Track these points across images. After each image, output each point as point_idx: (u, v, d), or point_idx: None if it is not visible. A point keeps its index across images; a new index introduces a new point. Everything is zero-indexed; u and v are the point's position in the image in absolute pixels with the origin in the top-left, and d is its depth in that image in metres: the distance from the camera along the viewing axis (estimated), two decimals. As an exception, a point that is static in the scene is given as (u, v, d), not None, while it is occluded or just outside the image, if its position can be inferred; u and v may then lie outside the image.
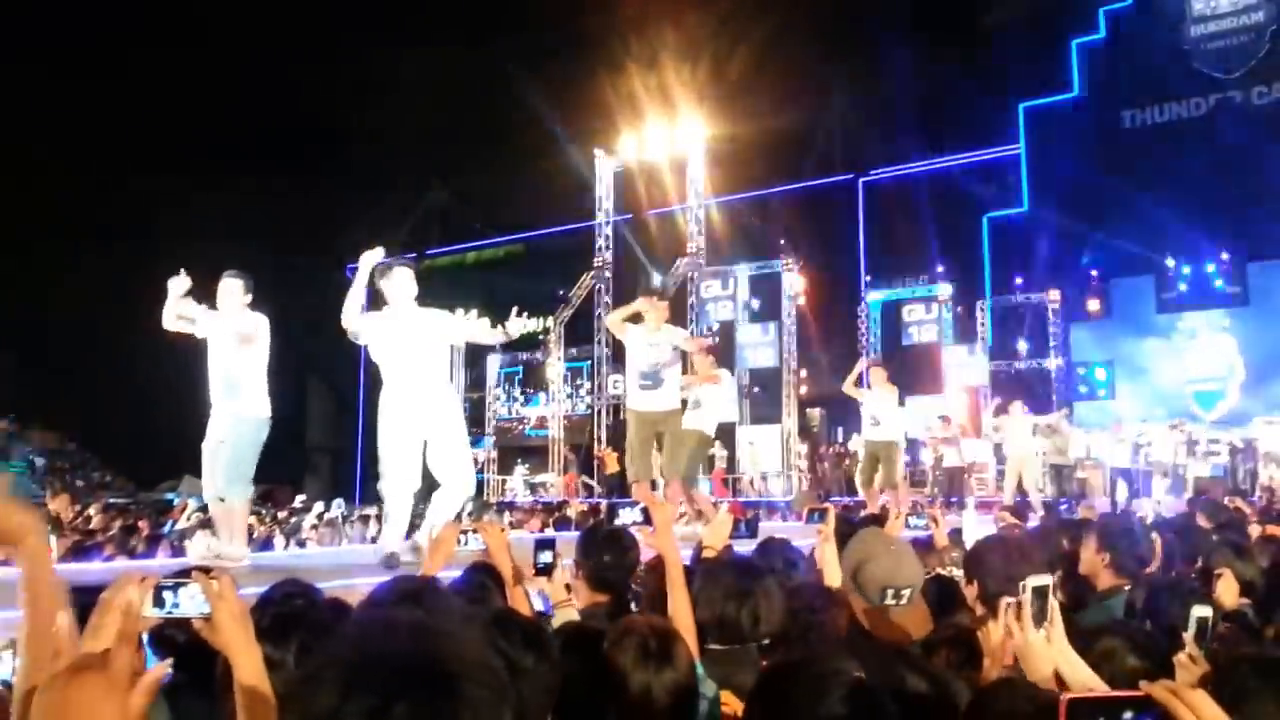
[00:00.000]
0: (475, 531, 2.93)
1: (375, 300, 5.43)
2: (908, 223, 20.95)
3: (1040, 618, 1.81)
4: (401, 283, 5.37)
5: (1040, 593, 1.83)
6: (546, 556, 2.68)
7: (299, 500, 14.29)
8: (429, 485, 5.35)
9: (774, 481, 20.10)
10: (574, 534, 4.60)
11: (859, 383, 9.98)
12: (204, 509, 13.21)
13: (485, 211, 25.45)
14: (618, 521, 2.81)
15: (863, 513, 6.91)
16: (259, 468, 5.43)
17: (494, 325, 5.47)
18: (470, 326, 5.46)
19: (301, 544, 11.00)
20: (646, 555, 2.90)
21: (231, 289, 5.51)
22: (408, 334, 5.31)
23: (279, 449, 5.79)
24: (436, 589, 2.24)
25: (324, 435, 28.19)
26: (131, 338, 9.79)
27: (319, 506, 12.39)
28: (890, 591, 2.33)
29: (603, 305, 22.29)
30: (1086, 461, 14.86)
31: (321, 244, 23.31)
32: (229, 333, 5.36)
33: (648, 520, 2.76)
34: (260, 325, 5.46)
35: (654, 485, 7.49)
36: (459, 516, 5.49)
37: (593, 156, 21.30)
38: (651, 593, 2.64)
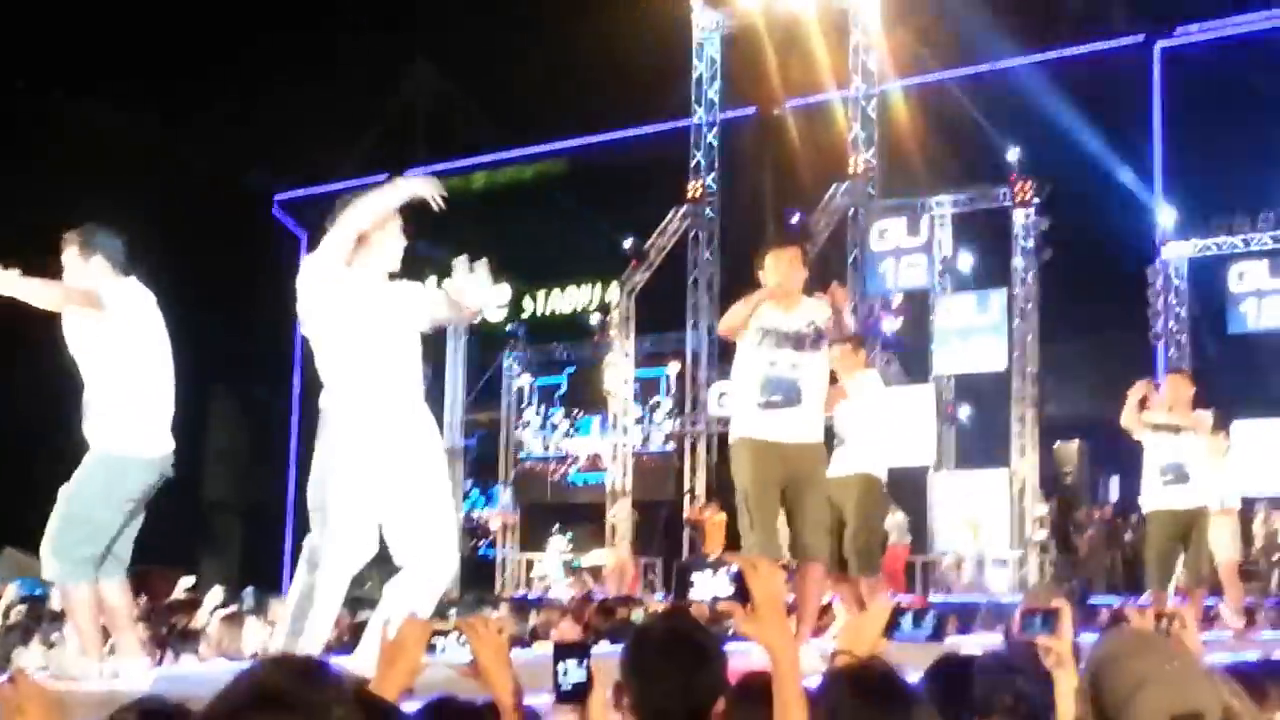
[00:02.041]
0: (458, 633, 2.99)
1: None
2: (1235, 119, 20.53)
3: None
4: (400, 248, 5.90)
5: None
6: (576, 673, 2.78)
7: (181, 588, 14.55)
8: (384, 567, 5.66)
9: (996, 571, 20.07)
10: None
11: (1147, 403, 9.97)
12: (32, 599, 13.65)
13: (502, 107, 25.36)
14: (691, 594, 2.97)
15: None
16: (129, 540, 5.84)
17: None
18: (432, 299, 6.10)
19: (181, 655, 11.06)
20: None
21: (67, 260, 5.94)
22: (389, 322, 5.80)
23: (157, 507, 6.09)
24: (323, 678, 2.19)
25: (233, 485, 28.75)
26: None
27: (217, 595, 12.61)
28: None
29: (701, 264, 22.59)
30: None
31: (233, 170, 23.84)
32: (69, 322, 5.84)
33: (742, 595, 2.78)
34: (113, 296, 5.79)
35: (787, 571, 7.51)
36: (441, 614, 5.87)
37: (686, 7, 21.24)
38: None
